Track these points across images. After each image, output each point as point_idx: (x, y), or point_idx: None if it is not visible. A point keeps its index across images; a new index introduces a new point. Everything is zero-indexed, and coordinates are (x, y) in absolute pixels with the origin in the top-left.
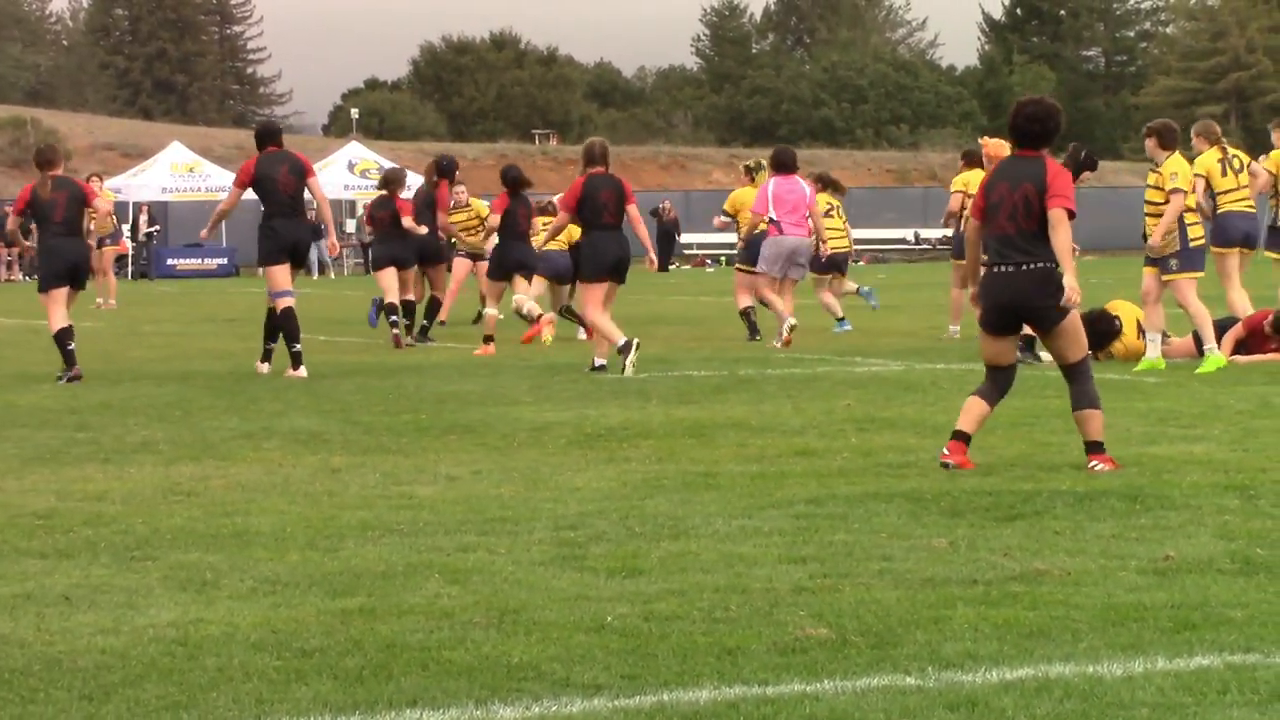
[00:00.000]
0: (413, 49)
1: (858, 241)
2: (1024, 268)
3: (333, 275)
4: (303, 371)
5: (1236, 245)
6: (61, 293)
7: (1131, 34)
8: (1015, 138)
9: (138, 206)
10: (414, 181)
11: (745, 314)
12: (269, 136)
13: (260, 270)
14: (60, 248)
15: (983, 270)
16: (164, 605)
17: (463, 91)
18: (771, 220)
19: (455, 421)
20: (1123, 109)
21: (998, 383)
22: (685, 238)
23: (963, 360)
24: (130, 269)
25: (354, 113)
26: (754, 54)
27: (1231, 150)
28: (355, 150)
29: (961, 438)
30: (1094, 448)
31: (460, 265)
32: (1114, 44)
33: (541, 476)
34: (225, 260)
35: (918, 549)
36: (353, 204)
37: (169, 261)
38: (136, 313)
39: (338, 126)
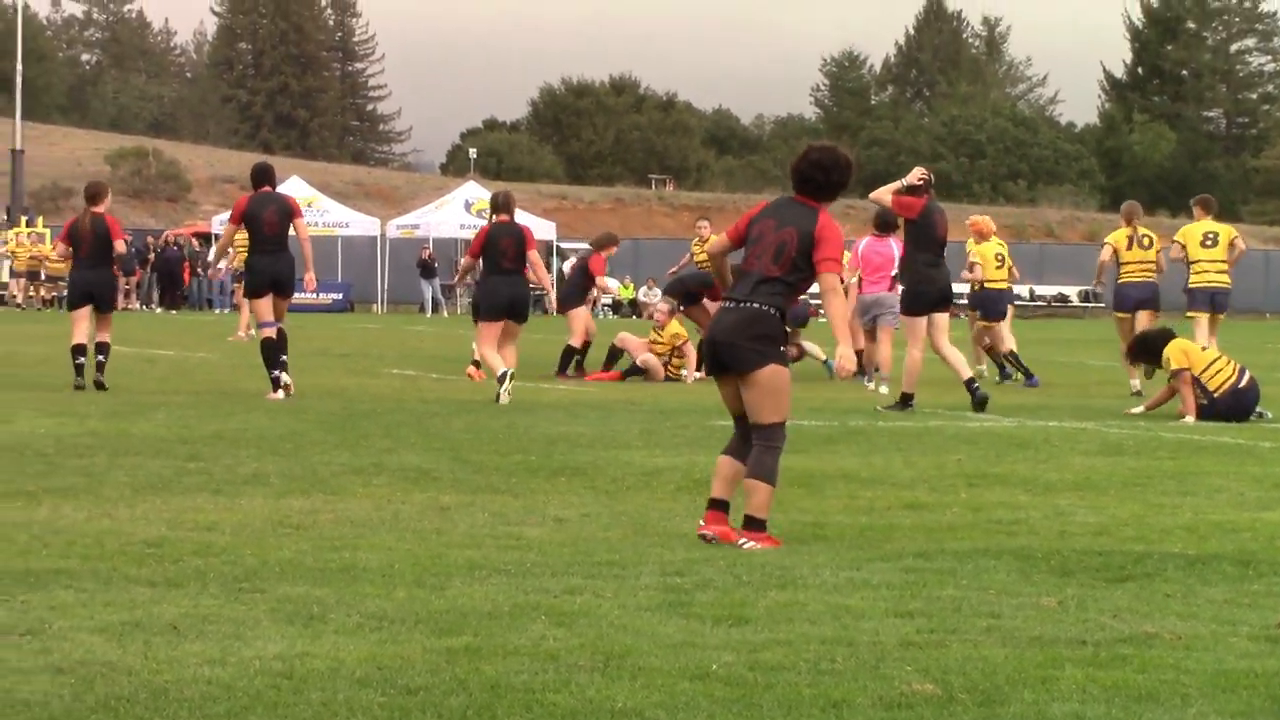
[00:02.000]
0: (532, 90)
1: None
2: (740, 305)
3: (445, 314)
4: (280, 395)
5: (1129, 310)
6: (82, 312)
7: (1254, 96)
8: (796, 182)
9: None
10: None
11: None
12: (262, 177)
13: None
14: (82, 278)
15: None
16: (270, 638)
17: (581, 134)
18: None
19: (565, 463)
20: (1243, 171)
21: (742, 432)
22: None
23: (1076, 418)
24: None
25: (472, 152)
26: (872, 105)
27: (1141, 230)
28: (472, 190)
29: (718, 506)
30: (752, 524)
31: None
32: (1235, 106)
33: (649, 521)
34: (340, 295)
35: (1026, 607)
36: (468, 244)
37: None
38: (251, 346)
39: (455, 165)
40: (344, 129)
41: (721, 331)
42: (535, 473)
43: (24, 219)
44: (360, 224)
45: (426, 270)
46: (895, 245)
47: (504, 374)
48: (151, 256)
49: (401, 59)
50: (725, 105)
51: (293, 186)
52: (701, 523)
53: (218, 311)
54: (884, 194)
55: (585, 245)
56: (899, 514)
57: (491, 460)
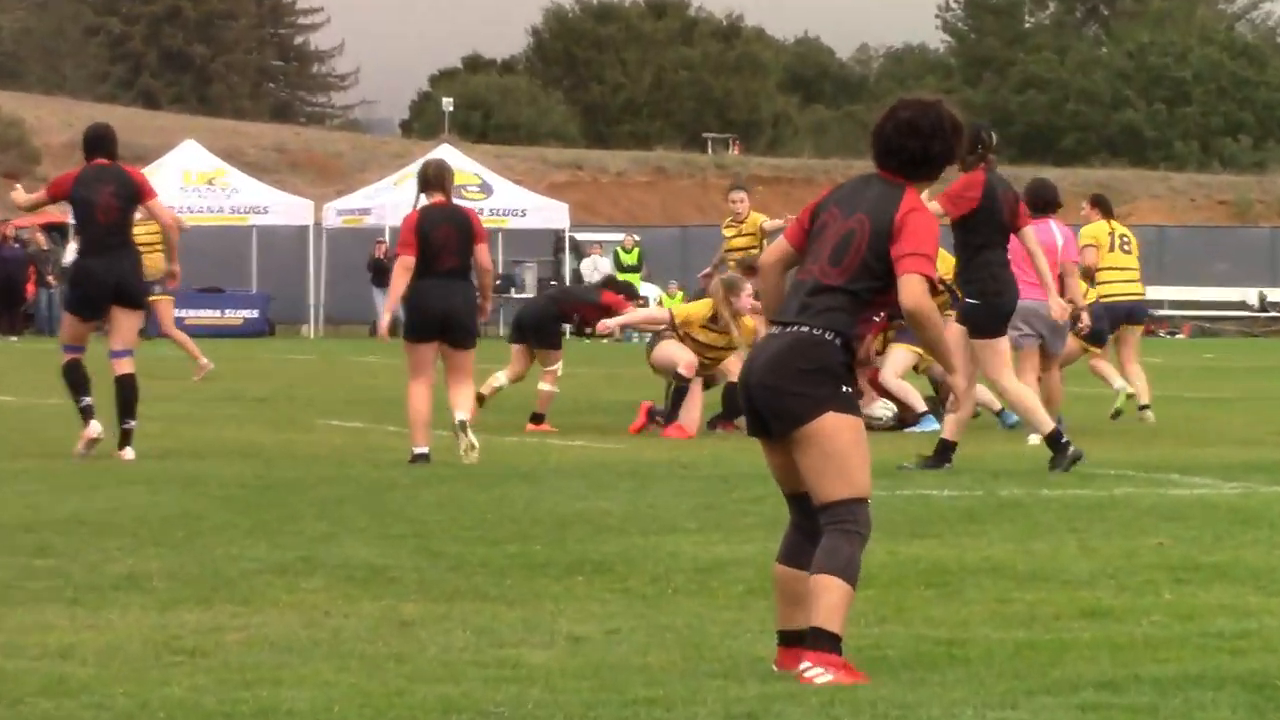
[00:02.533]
0: (533, 13)
1: (1175, 303)
2: (783, 330)
3: None
4: (129, 454)
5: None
6: None
7: None
8: (880, 153)
9: None
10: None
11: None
12: (97, 145)
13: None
14: None
15: None
16: None
17: (604, 76)
18: None
19: (583, 555)
20: None
21: (802, 523)
22: None
23: None
24: None
25: (446, 103)
26: (1027, 29)
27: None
28: (447, 157)
29: (791, 640)
30: (820, 640)
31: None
32: None
33: (708, 640)
34: (255, 313)
35: None
36: None
37: (177, 312)
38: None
39: (423, 123)
40: (261, 71)
41: (756, 371)
42: (540, 570)
43: None
44: (285, 208)
45: (380, 274)
46: (1057, 229)
47: (421, 454)
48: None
49: None
50: (813, 32)
51: (188, 155)
52: (774, 666)
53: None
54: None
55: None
56: (1073, 625)
57: (475, 552)
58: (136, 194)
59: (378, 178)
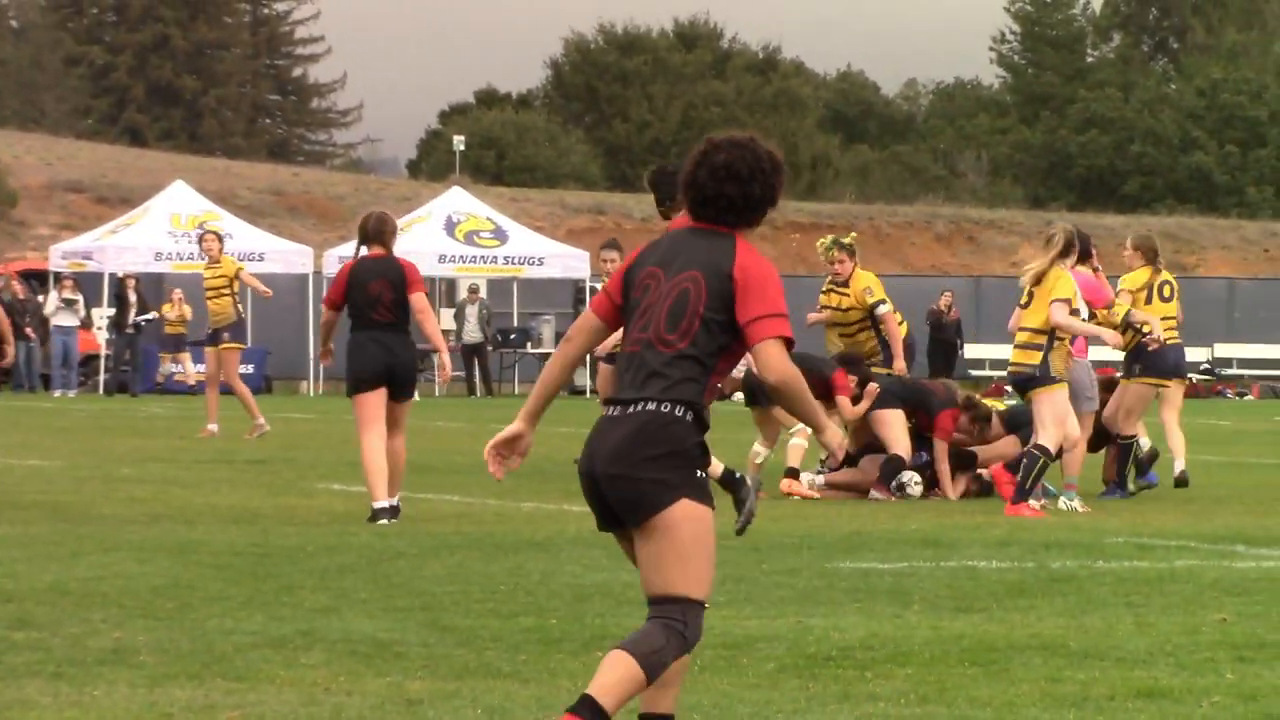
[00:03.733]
0: (552, 44)
1: (1244, 362)
2: (627, 410)
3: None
4: None
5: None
6: None
7: None
8: (694, 202)
9: (118, 281)
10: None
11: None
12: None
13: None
14: None
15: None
16: None
17: (628, 112)
18: None
19: (603, 630)
20: None
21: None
22: (973, 350)
23: None
24: (102, 377)
25: (457, 142)
26: (1089, 64)
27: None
28: (457, 201)
29: None
30: (582, 706)
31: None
32: None
33: None
34: (251, 368)
35: None
36: (451, 284)
37: (164, 368)
38: (109, 445)
39: (431, 163)
40: (256, 107)
41: (603, 458)
42: (556, 645)
43: None
44: (282, 255)
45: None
46: (1088, 277)
47: (382, 509)
48: None
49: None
50: (856, 66)
51: (176, 198)
52: None
53: (58, 394)
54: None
55: None
56: (1128, 706)
57: (487, 626)
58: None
59: None
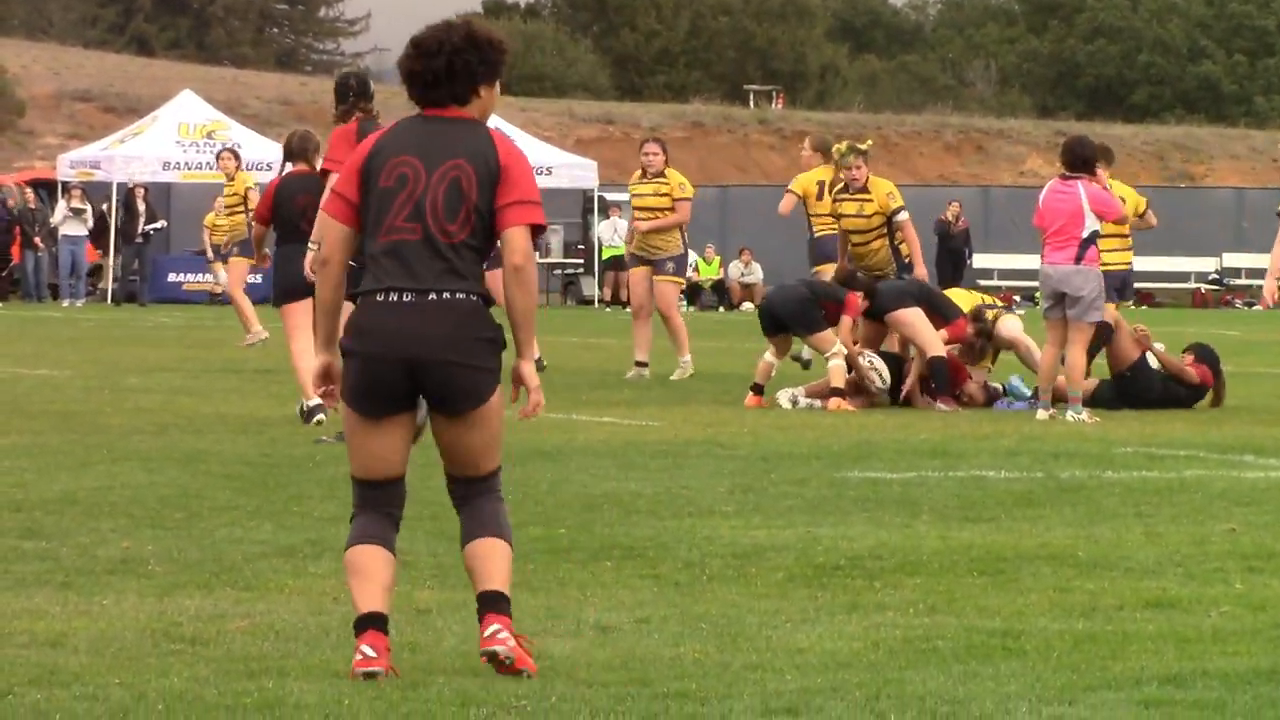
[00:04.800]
0: None
1: (1253, 272)
2: (439, 297)
3: None
4: None
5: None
6: None
7: None
8: (409, 85)
9: (126, 191)
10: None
11: None
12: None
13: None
14: None
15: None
16: None
17: (636, 22)
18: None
19: (612, 540)
20: None
21: (389, 508)
22: (982, 259)
23: None
24: (110, 286)
25: None
26: None
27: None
28: None
29: (379, 624)
30: (504, 606)
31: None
32: None
33: (745, 630)
34: (259, 278)
35: None
36: None
37: (170, 277)
38: (117, 355)
39: None
40: (264, 16)
41: (434, 345)
42: (565, 555)
43: None
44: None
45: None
46: (1083, 188)
47: (316, 405)
48: None
49: None
50: None
51: (184, 107)
52: (363, 654)
53: (66, 303)
54: None
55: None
56: (1136, 616)
57: None
58: None
59: None
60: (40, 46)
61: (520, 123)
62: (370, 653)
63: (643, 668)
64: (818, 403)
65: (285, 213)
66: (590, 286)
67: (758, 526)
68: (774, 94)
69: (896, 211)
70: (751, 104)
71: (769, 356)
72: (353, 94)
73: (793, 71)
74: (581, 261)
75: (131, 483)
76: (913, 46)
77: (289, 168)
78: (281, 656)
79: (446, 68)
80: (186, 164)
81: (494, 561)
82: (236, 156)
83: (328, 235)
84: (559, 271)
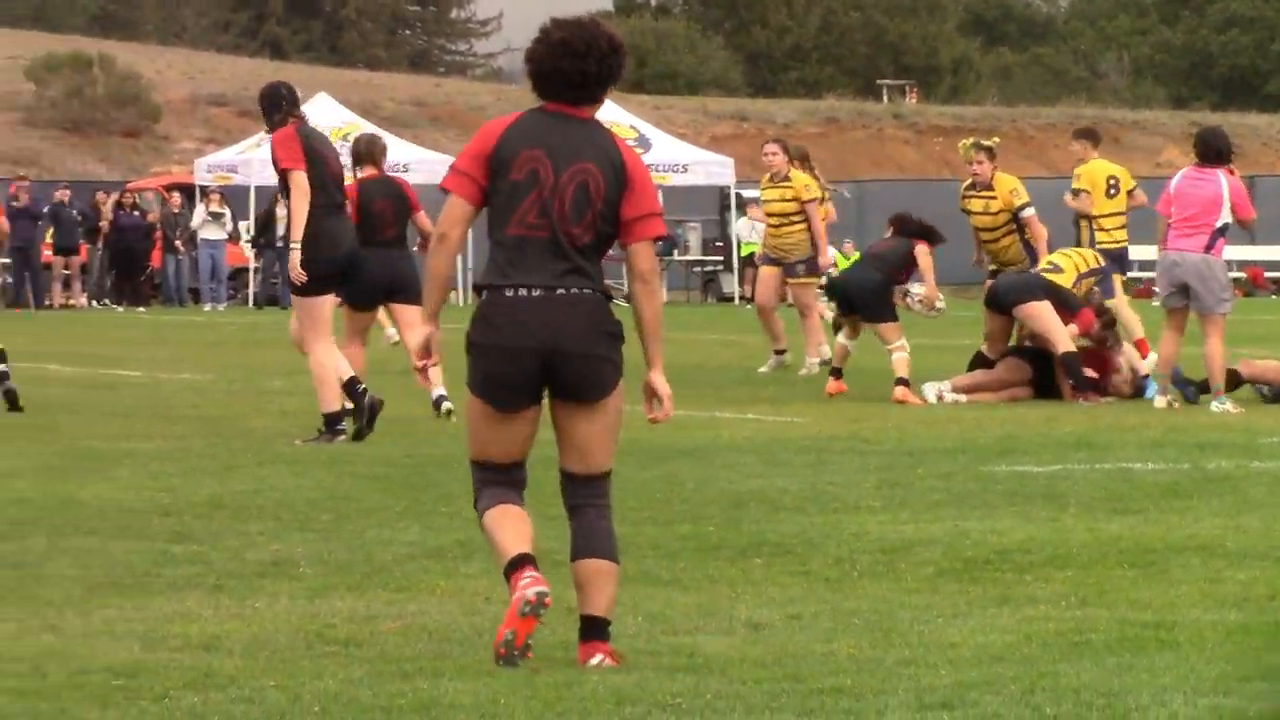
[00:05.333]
0: None
1: None
2: (569, 293)
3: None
4: None
5: None
6: None
7: None
8: (538, 80)
9: (264, 195)
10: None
11: None
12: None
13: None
14: None
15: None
16: None
17: (768, 19)
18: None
19: (760, 536)
20: None
21: (517, 481)
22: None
23: None
24: (251, 289)
25: None
26: None
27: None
28: (600, 109)
29: (530, 560)
30: (605, 632)
31: None
32: None
33: (896, 625)
34: None
35: None
36: None
37: None
38: (259, 359)
39: None
40: (396, 19)
41: (569, 338)
42: (714, 552)
43: None
44: (425, 166)
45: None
46: (1225, 181)
47: (336, 414)
48: (104, 226)
49: None
50: None
51: (319, 108)
52: (528, 577)
53: (207, 307)
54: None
55: None
56: None
57: (644, 534)
58: None
59: None
60: (174, 52)
61: (655, 120)
62: (534, 574)
63: (795, 664)
64: (963, 397)
65: (367, 218)
66: (730, 283)
67: (905, 521)
68: (907, 88)
69: (1022, 208)
70: (885, 99)
71: (842, 339)
72: (285, 103)
73: (925, 66)
74: (720, 258)
75: (279, 486)
76: (1045, 39)
77: (358, 173)
78: (435, 657)
79: (596, 71)
80: None
81: (600, 586)
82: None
83: (450, 211)
84: (698, 269)
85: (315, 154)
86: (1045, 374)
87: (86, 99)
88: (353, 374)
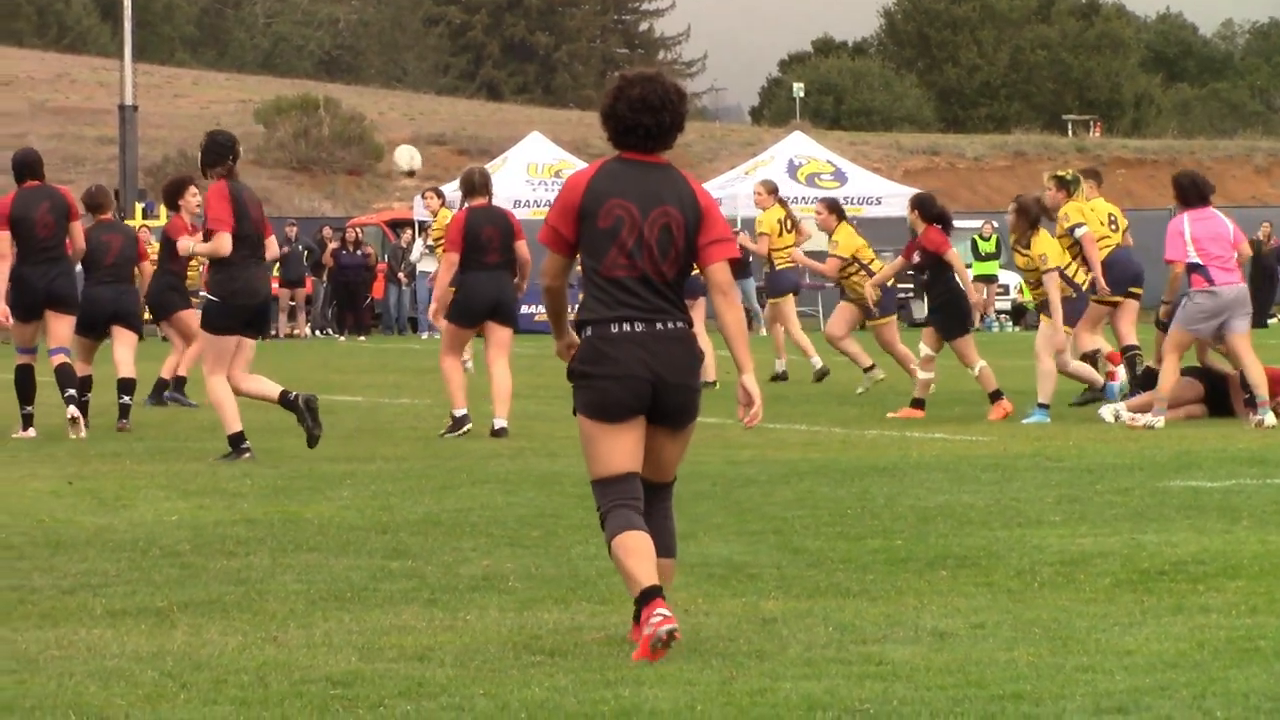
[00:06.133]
0: None
1: None
2: (669, 327)
3: (763, 330)
4: (32, 433)
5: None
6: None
7: None
8: (617, 132)
9: None
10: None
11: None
12: (24, 170)
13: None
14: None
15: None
16: None
17: (959, 58)
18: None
19: (946, 550)
20: None
21: (638, 498)
22: None
23: None
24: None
25: (797, 89)
26: None
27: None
28: (799, 145)
29: (659, 593)
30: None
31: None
32: None
33: (1075, 634)
34: None
35: None
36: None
37: (524, 309)
38: (473, 384)
39: (773, 110)
40: (606, 60)
41: (674, 370)
42: (902, 565)
43: (140, 207)
44: None
45: (734, 263)
46: (1227, 220)
47: (460, 418)
48: (327, 260)
49: None
50: (1175, 9)
51: (533, 148)
52: (660, 615)
53: (425, 335)
54: None
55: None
56: None
57: (836, 548)
58: (67, 212)
59: (728, 167)
60: (396, 94)
61: (850, 155)
62: (666, 612)
63: (979, 671)
64: (1140, 418)
65: (474, 244)
66: (921, 309)
67: (1084, 535)
68: (1091, 123)
69: (1072, 229)
70: (1070, 133)
71: (924, 372)
72: (230, 156)
73: (1108, 100)
74: (911, 285)
75: (491, 504)
76: (1223, 75)
77: (466, 203)
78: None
79: (670, 122)
80: (535, 202)
81: (664, 580)
82: (440, 195)
83: (548, 265)
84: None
85: (242, 209)
86: (1217, 393)
87: (313, 140)
88: (281, 389)
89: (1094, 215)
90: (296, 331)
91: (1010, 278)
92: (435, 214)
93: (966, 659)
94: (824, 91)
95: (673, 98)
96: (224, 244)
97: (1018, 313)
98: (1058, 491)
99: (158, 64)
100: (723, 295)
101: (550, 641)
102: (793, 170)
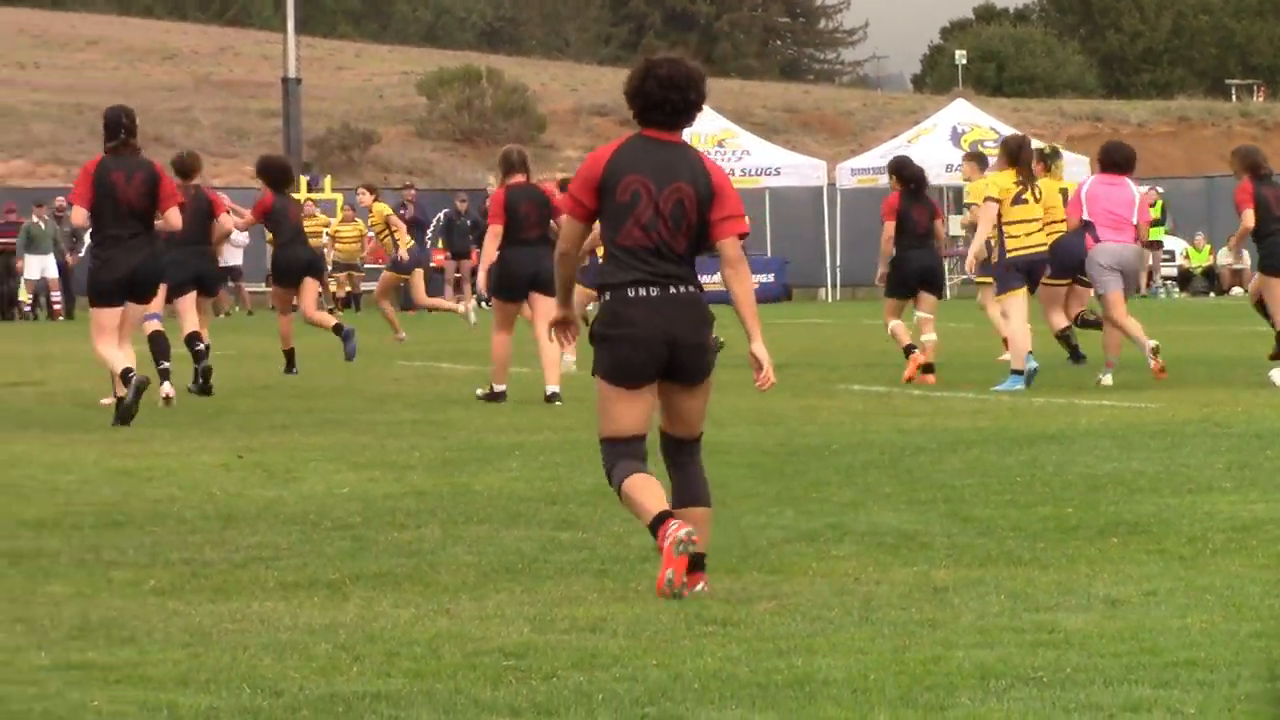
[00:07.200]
0: None
1: None
2: (681, 290)
3: None
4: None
5: None
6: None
7: None
8: (644, 109)
9: None
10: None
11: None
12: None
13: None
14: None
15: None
16: None
17: (1121, 24)
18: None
19: (1117, 517)
20: None
21: (643, 453)
22: None
23: None
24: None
25: (959, 56)
26: None
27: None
28: (961, 112)
29: (671, 515)
30: (699, 563)
31: None
32: None
33: (1248, 600)
34: (771, 277)
35: None
36: (958, 192)
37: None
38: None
39: (935, 78)
40: (768, 30)
41: (686, 330)
42: (1072, 533)
43: (304, 180)
44: (797, 170)
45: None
46: (1135, 189)
47: (501, 392)
48: None
49: None
50: None
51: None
52: (676, 524)
53: (590, 306)
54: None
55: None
56: None
57: (1006, 516)
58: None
59: (891, 135)
60: (558, 65)
61: (1014, 122)
62: (678, 521)
63: (1151, 638)
64: None
65: (514, 220)
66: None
67: (1255, 501)
68: (1255, 87)
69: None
70: (1234, 98)
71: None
72: (123, 131)
73: (1272, 65)
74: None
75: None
76: None
77: (506, 181)
78: (808, 635)
79: (694, 100)
80: None
81: (701, 528)
82: (372, 190)
83: (567, 231)
84: None
85: (105, 187)
86: None
87: (475, 111)
88: (336, 321)
89: (1003, 192)
90: (461, 304)
91: (1176, 243)
92: (369, 207)
93: (1140, 626)
94: (986, 59)
95: (695, 77)
96: (76, 216)
97: (1184, 278)
98: (1227, 458)
99: (320, 36)
100: (732, 269)
101: (721, 611)
102: (956, 138)
